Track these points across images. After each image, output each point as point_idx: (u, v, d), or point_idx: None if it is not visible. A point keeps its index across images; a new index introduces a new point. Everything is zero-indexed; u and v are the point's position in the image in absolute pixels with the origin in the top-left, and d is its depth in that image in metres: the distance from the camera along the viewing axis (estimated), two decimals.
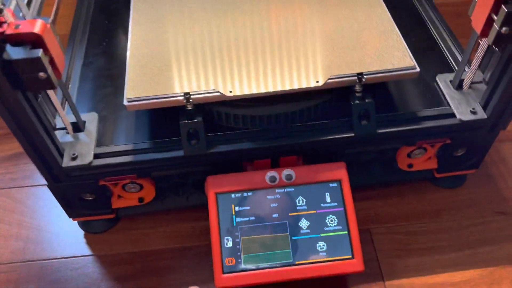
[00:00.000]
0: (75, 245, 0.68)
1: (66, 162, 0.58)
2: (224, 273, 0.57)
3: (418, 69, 0.59)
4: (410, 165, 0.68)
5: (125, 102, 0.57)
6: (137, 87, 0.58)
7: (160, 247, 0.67)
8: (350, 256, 0.57)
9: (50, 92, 0.55)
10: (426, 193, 0.71)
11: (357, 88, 0.60)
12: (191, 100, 0.57)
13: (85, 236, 0.69)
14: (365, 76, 0.58)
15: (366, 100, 0.59)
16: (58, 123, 0.61)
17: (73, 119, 0.60)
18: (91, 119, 0.62)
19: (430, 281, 0.63)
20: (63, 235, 0.69)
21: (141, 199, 0.66)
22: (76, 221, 0.69)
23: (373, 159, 0.68)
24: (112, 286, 0.64)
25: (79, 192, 0.63)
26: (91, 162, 0.58)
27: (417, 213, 0.69)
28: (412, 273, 0.64)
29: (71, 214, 0.66)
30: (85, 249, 0.68)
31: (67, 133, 0.61)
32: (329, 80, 0.58)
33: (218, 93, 0.57)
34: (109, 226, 0.70)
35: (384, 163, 0.69)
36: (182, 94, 0.57)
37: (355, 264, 0.57)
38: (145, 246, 0.67)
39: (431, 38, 0.72)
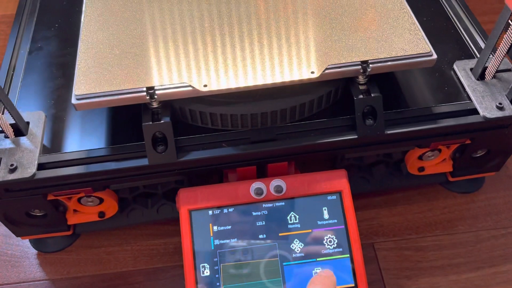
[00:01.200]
0: (26, 267, 0.57)
1: (3, 175, 0.47)
2: None
3: (435, 56, 0.48)
4: (421, 169, 0.58)
5: (74, 100, 0.45)
6: (89, 80, 0.46)
7: (127, 269, 0.57)
8: (353, 285, 0.47)
9: None
10: (438, 199, 0.61)
11: (361, 79, 0.49)
12: (156, 97, 0.46)
13: (38, 257, 0.58)
14: (370, 65, 0.47)
15: (372, 94, 0.48)
16: None
17: (12, 120, 0.49)
18: (36, 120, 0.51)
19: None
20: (11, 255, 0.58)
21: (101, 214, 0.55)
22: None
23: (377, 162, 0.58)
24: None
25: (24, 208, 0.52)
26: (34, 175, 0.47)
27: (427, 223, 0.59)
28: None
29: (17, 232, 0.55)
30: (38, 273, 0.57)
31: (6, 137, 0.49)
32: (326, 71, 0.47)
33: (190, 88, 0.46)
34: (67, 244, 0.59)
35: (390, 167, 0.59)
36: (145, 89, 0.45)
37: None
38: (109, 267, 0.57)
39: (446, 16, 0.61)
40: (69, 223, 0.55)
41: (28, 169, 0.47)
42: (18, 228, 0.54)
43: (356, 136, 0.49)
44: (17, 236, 0.55)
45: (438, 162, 0.58)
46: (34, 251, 0.59)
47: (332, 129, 0.50)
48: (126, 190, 0.54)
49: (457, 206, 0.61)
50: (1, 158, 0.48)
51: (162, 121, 0.47)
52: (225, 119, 0.49)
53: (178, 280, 0.55)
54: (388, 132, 0.49)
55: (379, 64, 0.47)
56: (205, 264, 0.48)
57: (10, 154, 0.48)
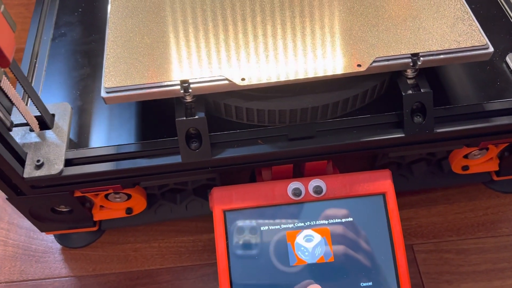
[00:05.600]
0: (51, 263, 0.55)
1: (29, 172, 0.44)
2: None
3: (491, 49, 0.44)
4: (466, 167, 0.54)
5: (103, 94, 0.42)
6: (119, 72, 0.43)
7: (155, 267, 0.55)
8: None
9: (2, 84, 0.41)
10: (481, 199, 0.58)
11: (409, 73, 0.45)
12: (190, 90, 0.43)
13: (63, 252, 0.56)
14: (421, 58, 0.43)
15: (422, 90, 0.45)
16: (17, 117, 0.47)
17: (38, 113, 0.46)
18: (62, 112, 0.48)
19: None
20: (35, 250, 0.56)
21: (129, 210, 0.53)
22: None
23: (418, 160, 0.55)
24: None
25: (50, 205, 0.50)
26: (61, 171, 0.45)
27: (470, 225, 0.56)
28: None
29: (42, 228, 0.53)
30: (63, 269, 0.55)
31: (31, 130, 0.47)
32: (374, 64, 0.43)
33: (227, 81, 0.43)
34: (92, 239, 0.57)
35: (431, 165, 0.55)
36: (179, 82, 0.42)
37: None
38: (136, 265, 0.55)
39: (496, 4, 0.56)
40: (95, 219, 0.53)
41: (55, 165, 0.45)
42: (42, 223, 0.52)
43: (403, 135, 0.46)
44: (41, 231, 0.53)
45: (484, 161, 0.54)
46: (59, 246, 0.57)
47: (377, 126, 0.46)
48: (155, 186, 0.52)
49: (501, 207, 0.57)
50: (26, 154, 0.45)
51: (196, 117, 0.44)
52: (261, 114, 0.46)
53: (208, 280, 0.53)
54: (438, 130, 0.46)
55: (431, 57, 0.44)
56: (240, 266, 0.45)
57: (36, 149, 0.46)
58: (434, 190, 0.59)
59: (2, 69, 0.39)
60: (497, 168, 0.55)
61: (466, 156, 0.53)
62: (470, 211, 0.57)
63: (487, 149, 0.52)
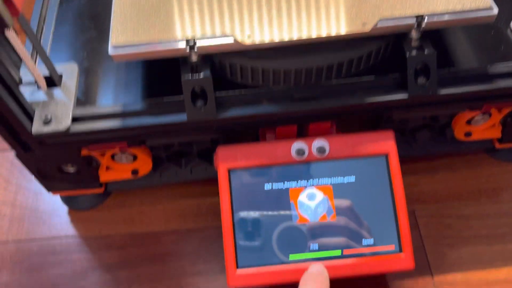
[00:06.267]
0: (57, 223, 0.57)
1: (37, 128, 0.45)
2: (239, 267, 0.45)
3: (496, 11, 0.44)
4: (468, 134, 0.55)
5: (110, 51, 0.43)
6: (126, 30, 0.44)
7: (160, 229, 0.56)
8: (398, 251, 0.46)
9: (10, 35, 0.42)
10: (483, 167, 0.59)
11: (414, 35, 0.45)
12: (196, 49, 0.43)
13: (69, 214, 0.57)
14: (426, 20, 0.44)
15: (426, 51, 0.45)
16: (25, 75, 0.47)
17: (46, 72, 0.47)
18: (69, 72, 0.49)
19: (490, 277, 0.51)
20: (42, 211, 0.57)
21: (135, 172, 0.54)
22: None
23: (421, 126, 0.55)
24: (101, 275, 0.53)
25: (57, 163, 0.50)
26: (69, 128, 0.45)
27: (471, 191, 0.57)
28: (466, 266, 0.52)
29: (49, 187, 0.54)
30: (69, 230, 0.56)
31: (39, 88, 0.48)
32: (378, 24, 0.44)
33: (233, 40, 0.43)
34: (98, 201, 0.58)
35: (434, 131, 0.56)
36: (185, 40, 0.43)
37: (404, 261, 0.45)
38: (141, 227, 0.56)
39: None
40: (101, 180, 0.54)
41: (62, 122, 0.45)
42: (50, 183, 0.53)
43: (406, 96, 0.46)
44: (48, 191, 0.54)
45: (487, 127, 0.54)
46: (65, 208, 0.58)
47: (381, 87, 0.47)
48: (160, 148, 0.52)
49: (503, 175, 0.58)
50: (35, 110, 0.46)
51: (202, 76, 0.44)
52: (266, 74, 0.46)
53: (212, 241, 0.54)
54: (441, 92, 0.46)
55: (435, 19, 0.44)
56: (244, 224, 0.46)
57: (44, 106, 0.46)
58: (436, 158, 0.59)
59: (11, 23, 0.39)
60: (499, 135, 0.55)
61: (469, 122, 0.53)
62: (472, 179, 0.58)
63: (490, 114, 0.53)
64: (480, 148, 0.58)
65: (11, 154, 0.58)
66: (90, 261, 0.54)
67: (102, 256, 0.54)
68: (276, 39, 0.43)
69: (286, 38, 0.43)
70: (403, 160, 0.57)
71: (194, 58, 0.45)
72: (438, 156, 0.59)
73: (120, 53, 0.43)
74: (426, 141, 0.56)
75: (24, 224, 0.57)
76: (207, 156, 0.55)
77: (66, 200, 0.58)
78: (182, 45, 0.43)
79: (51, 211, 0.57)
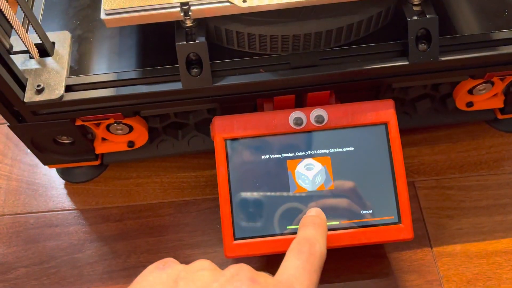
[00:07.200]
0: (54, 197, 0.56)
1: (30, 96, 0.44)
2: (236, 239, 0.45)
3: None
4: (470, 104, 0.54)
5: (103, 16, 0.42)
6: None
7: (157, 201, 0.55)
8: (397, 221, 0.45)
9: None
10: (484, 138, 0.58)
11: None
12: (190, 13, 0.42)
13: (66, 187, 0.57)
14: None
15: (428, 16, 0.44)
16: (17, 44, 0.46)
17: (38, 40, 0.46)
18: (62, 40, 0.48)
19: (490, 248, 0.51)
20: (39, 184, 0.57)
21: (131, 143, 0.53)
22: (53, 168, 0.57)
23: (422, 96, 0.54)
24: (98, 247, 0.52)
25: (51, 134, 0.50)
26: (62, 96, 0.44)
27: (472, 162, 0.56)
28: (466, 237, 0.51)
29: (44, 160, 0.53)
30: (66, 202, 0.56)
31: (31, 57, 0.47)
32: None
33: (228, 3, 0.42)
34: (94, 174, 0.57)
35: (435, 102, 0.55)
36: (179, 4, 0.42)
37: (403, 231, 0.45)
38: (138, 199, 0.55)
39: None
40: (97, 152, 0.53)
41: (55, 91, 0.44)
42: (45, 155, 0.52)
43: (407, 62, 0.45)
44: (44, 164, 0.54)
45: (489, 97, 0.53)
46: (62, 181, 0.57)
47: (381, 54, 0.46)
48: (156, 119, 0.52)
49: (504, 146, 0.57)
50: (27, 79, 0.45)
51: (197, 41, 0.43)
52: (263, 40, 0.45)
53: (210, 213, 0.54)
54: (443, 58, 0.45)
55: None
56: (241, 194, 0.45)
57: (36, 75, 0.45)
58: (437, 129, 0.58)
59: None
60: (502, 105, 0.54)
61: (470, 92, 0.52)
62: (473, 150, 0.57)
63: (493, 83, 0.51)
64: (481, 119, 0.57)
65: (5, 127, 0.57)
66: (87, 234, 0.53)
67: (99, 229, 0.54)
68: (272, 2, 0.42)
69: (282, 1, 0.42)
70: (403, 131, 0.56)
71: (188, 22, 0.43)
72: (439, 127, 0.58)
73: (113, 17, 0.42)
74: (426, 112, 0.55)
75: (20, 197, 0.56)
76: (205, 128, 0.54)
77: (62, 172, 0.57)
78: (176, 8, 0.42)
79: (47, 184, 0.57)
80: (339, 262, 0.50)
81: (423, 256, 0.51)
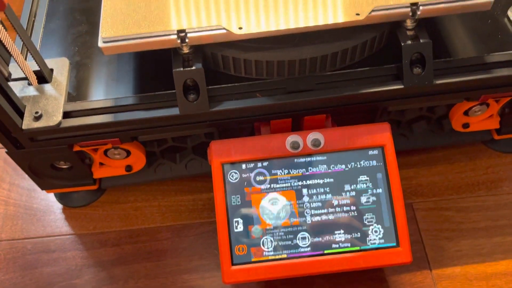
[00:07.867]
0: (51, 221, 0.56)
1: (28, 124, 0.44)
2: (234, 264, 0.45)
3: None
4: (466, 125, 0.54)
5: (100, 44, 0.42)
6: (116, 22, 0.43)
7: (155, 225, 0.55)
8: (395, 244, 0.45)
9: None
10: (481, 158, 0.58)
11: (409, 24, 0.45)
12: (187, 40, 0.42)
13: (63, 211, 0.57)
14: (420, 8, 0.43)
15: (421, 40, 0.44)
16: (15, 71, 0.47)
17: (36, 67, 0.46)
18: (60, 67, 0.48)
19: (489, 270, 0.51)
20: (36, 209, 0.57)
21: (128, 168, 0.53)
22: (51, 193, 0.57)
23: (418, 118, 0.54)
24: (96, 272, 0.52)
25: (49, 160, 0.50)
26: (60, 123, 0.45)
27: (470, 183, 0.56)
28: (465, 259, 0.51)
29: (42, 185, 0.53)
30: (64, 227, 0.56)
31: (29, 84, 0.47)
32: (373, 13, 0.43)
33: (224, 31, 0.42)
34: (92, 199, 0.57)
35: (431, 123, 0.55)
36: (176, 32, 0.42)
37: (401, 254, 0.45)
38: (136, 223, 0.55)
39: None
40: (95, 176, 0.53)
41: (53, 117, 0.45)
42: (43, 180, 0.52)
43: (402, 86, 0.45)
44: (42, 189, 0.54)
45: (484, 118, 0.54)
46: (59, 206, 0.57)
47: (376, 78, 0.46)
48: (154, 144, 0.52)
49: (501, 166, 0.57)
50: (25, 106, 0.45)
51: (193, 68, 0.44)
52: (260, 66, 0.46)
53: (208, 237, 0.54)
54: (437, 82, 0.45)
55: (430, 7, 0.43)
56: (239, 219, 0.45)
57: (34, 102, 0.46)
58: (434, 150, 0.58)
59: None
60: (497, 126, 0.55)
61: (466, 113, 0.52)
62: (470, 171, 0.57)
63: (488, 105, 0.52)
64: (478, 140, 0.57)
65: (3, 152, 0.57)
66: (84, 259, 0.53)
67: (96, 253, 0.53)
68: (269, 29, 0.43)
69: (279, 27, 0.43)
70: (400, 152, 0.57)
71: (185, 49, 0.44)
72: (436, 148, 0.58)
73: (110, 45, 0.42)
74: (423, 133, 0.55)
75: (18, 222, 0.56)
76: (202, 151, 0.54)
77: (60, 197, 0.57)
78: (173, 36, 0.42)
79: (45, 209, 0.57)
80: (338, 286, 0.50)
81: (423, 279, 0.50)
